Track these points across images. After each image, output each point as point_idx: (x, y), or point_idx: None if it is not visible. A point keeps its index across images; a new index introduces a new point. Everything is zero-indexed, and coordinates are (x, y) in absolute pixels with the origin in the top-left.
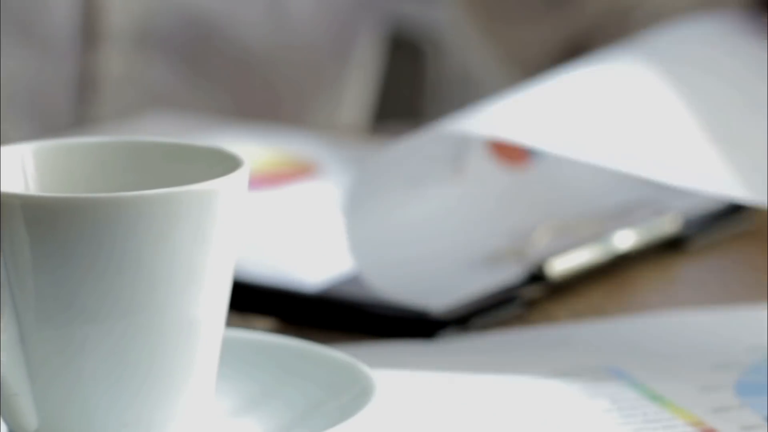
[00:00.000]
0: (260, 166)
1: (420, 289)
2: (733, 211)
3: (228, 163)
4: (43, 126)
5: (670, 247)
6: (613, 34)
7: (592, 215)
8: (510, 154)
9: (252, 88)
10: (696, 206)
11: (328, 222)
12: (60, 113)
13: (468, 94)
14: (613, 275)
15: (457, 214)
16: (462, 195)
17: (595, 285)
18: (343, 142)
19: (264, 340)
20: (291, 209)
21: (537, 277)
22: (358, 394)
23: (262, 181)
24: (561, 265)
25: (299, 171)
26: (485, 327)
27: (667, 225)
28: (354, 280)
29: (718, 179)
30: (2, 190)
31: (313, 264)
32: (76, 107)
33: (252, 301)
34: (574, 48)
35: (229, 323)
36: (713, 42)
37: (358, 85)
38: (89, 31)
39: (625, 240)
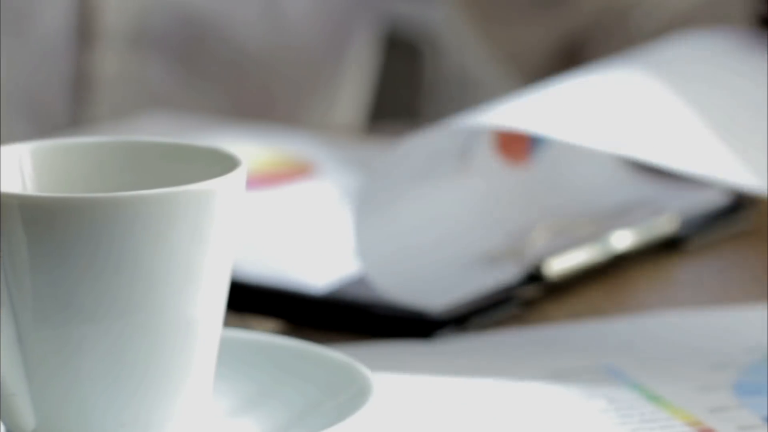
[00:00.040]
0: (258, 166)
1: (418, 288)
2: (731, 211)
3: (226, 163)
4: (38, 126)
5: (667, 247)
6: (610, 33)
7: (589, 215)
8: (512, 150)
9: (247, 87)
10: (694, 206)
11: (327, 222)
12: (55, 113)
13: (465, 93)
14: (610, 275)
15: (455, 213)
16: (460, 195)
17: (593, 285)
18: (341, 142)
19: (262, 340)
20: (289, 210)
21: (534, 277)
22: (356, 394)
23: (259, 181)
24: (559, 265)
25: (297, 171)
26: (483, 327)
27: (664, 225)
28: (352, 281)
29: (725, 166)
30: (0, 190)
31: (313, 266)
32: (71, 107)
33: (250, 301)
34: (570, 47)
35: (228, 323)
36: (714, 57)
37: (354, 84)
38: (84, 31)
39: (622, 240)
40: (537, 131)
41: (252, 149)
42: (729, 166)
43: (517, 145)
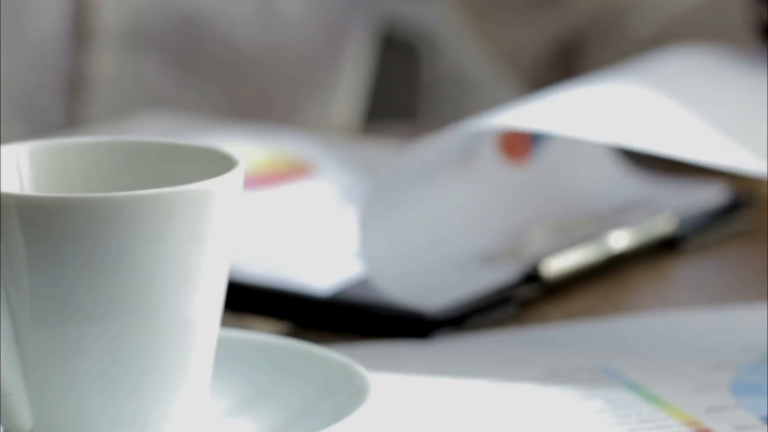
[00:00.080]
0: (255, 166)
1: (416, 289)
2: (729, 211)
3: (223, 163)
4: (34, 125)
5: (665, 247)
6: (607, 33)
7: (587, 215)
8: (514, 149)
9: (243, 87)
10: (691, 206)
11: (325, 222)
12: (51, 112)
13: (462, 93)
14: (608, 275)
15: (454, 214)
16: (460, 195)
17: (591, 285)
18: (338, 142)
19: (259, 340)
20: (287, 210)
21: (532, 277)
22: (353, 394)
23: (257, 181)
24: (556, 265)
25: (294, 171)
26: (480, 327)
27: (662, 225)
28: (350, 282)
29: (725, 150)
30: None
31: (311, 266)
32: (67, 106)
33: (248, 302)
34: (566, 47)
35: (225, 324)
36: (711, 68)
37: (350, 84)
38: (80, 30)
39: (620, 240)
40: (539, 128)
41: (249, 149)
42: (729, 151)
43: (518, 144)
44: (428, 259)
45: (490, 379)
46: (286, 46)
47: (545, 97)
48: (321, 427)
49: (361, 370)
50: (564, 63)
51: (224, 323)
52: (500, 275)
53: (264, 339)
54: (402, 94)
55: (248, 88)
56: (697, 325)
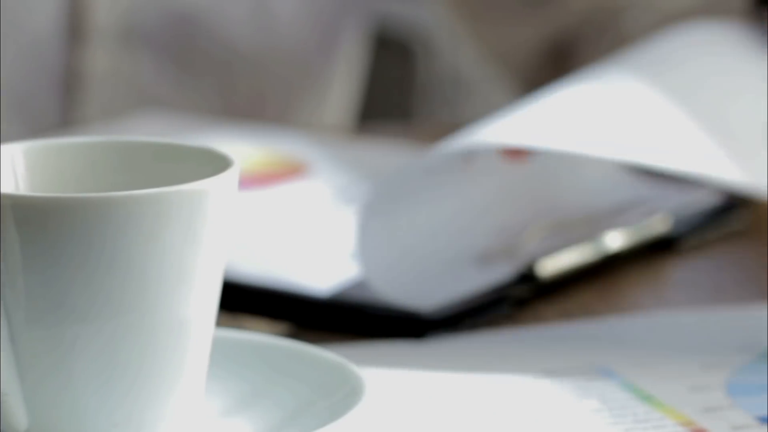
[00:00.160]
0: (250, 166)
1: (411, 288)
2: (724, 211)
3: (218, 163)
4: (29, 124)
5: (660, 247)
6: (601, 33)
7: (583, 215)
8: (514, 150)
9: (237, 86)
10: (686, 206)
11: (320, 222)
12: (46, 111)
13: (457, 94)
14: (603, 275)
15: (448, 213)
16: (455, 195)
17: (586, 285)
18: (333, 142)
19: (254, 340)
20: (281, 210)
21: (527, 276)
22: (348, 394)
23: (252, 181)
24: (551, 265)
25: (289, 171)
26: (475, 327)
27: (657, 225)
28: (346, 282)
29: (722, 165)
30: None
31: (306, 266)
32: (62, 105)
33: (243, 301)
34: (560, 46)
35: (221, 324)
36: (711, 49)
37: (344, 84)
38: (75, 29)
39: (615, 240)
40: (536, 145)
41: (244, 149)
42: (726, 166)
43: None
44: (424, 258)
45: (486, 378)
46: (281, 46)
47: (539, 102)
48: (316, 427)
49: (356, 370)
50: (557, 63)
51: (219, 323)
52: (495, 275)
53: (259, 339)
54: (396, 94)
55: (243, 88)
56: (693, 325)
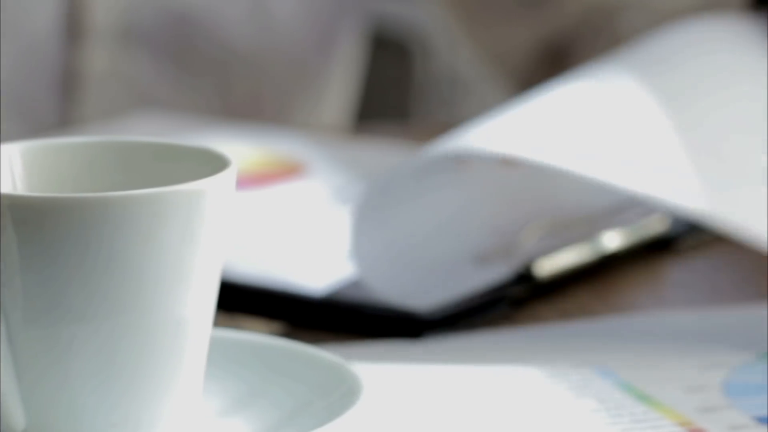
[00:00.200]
0: (248, 166)
1: (408, 288)
2: None
3: (216, 163)
4: (27, 124)
5: (658, 247)
6: (597, 34)
7: (580, 215)
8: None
9: (235, 86)
10: None
11: (318, 222)
12: (44, 111)
13: (455, 93)
14: (601, 275)
15: (445, 214)
16: (451, 195)
17: (583, 285)
18: (331, 142)
19: (252, 340)
20: (279, 210)
21: (525, 276)
22: (346, 394)
23: (249, 181)
24: (549, 265)
25: (287, 171)
26: (473, 327)
27: (655, 225)
28: (342, 282)
29: (698, 196)
30: None
31: (304, 266)
32: (60, 104)
33: (241, 301)
34: (556, 47)
35: (218, 324)
36: (707, 47)
37: (342, 84)
38: (73, 28)
39: (613, 240)
40: (518, 156)
41: (242, 149)
42: (712, 200)
43: None
44: (420, 258)
45: (483, 378)
46: (279, 46)
47: (527, 106)
48: (313, 427)
49: (353, 369)
50: (554, 64)
51: (217, 323)
52: (493, 275)
53: (257, 339)
54: (394, 94)
55: (241, 88)
56: (690, 325)
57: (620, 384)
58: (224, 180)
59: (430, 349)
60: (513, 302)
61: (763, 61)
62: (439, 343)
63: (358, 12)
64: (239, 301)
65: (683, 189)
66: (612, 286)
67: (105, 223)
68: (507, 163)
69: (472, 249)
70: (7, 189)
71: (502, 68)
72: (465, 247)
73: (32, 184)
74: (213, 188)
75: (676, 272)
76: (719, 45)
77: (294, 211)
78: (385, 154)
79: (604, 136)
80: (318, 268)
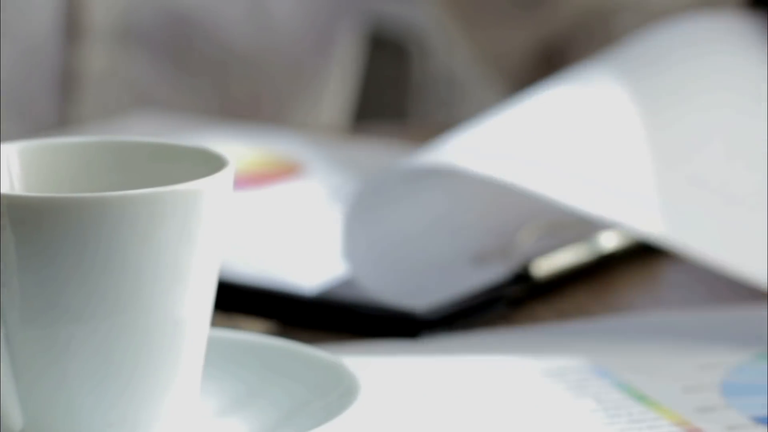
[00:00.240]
0: (246, 166)
1: (405, 288)
2: None
3: (213, 163)
4: (25, 123)
5: (655, 247)
6: (593, 35)
7: (577, 216)
8: None
9: (233, 86)
10: None
11: (314, 222)
12: (42, 110)
13: (452, 94)
14: (598, 275)
15: (442, 214)
16: (447, 196)
17: (581, 285)
18: (328, 142)
19: (249, 340)
20: (277, 210)
21: (522, 277)
22: (343, 394)
23: (247, 181)
24: (546, 265)
25: (285, 171)
26: (470, 327)
27: None
28: (340, 281)
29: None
30: None
31: (301, 265)
32: (58, 104)
33: (239, 301)
34: (551, 50)
35: (215, 323)
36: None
37: (340, 84)
38: (71, 28)
39: (610, 240)
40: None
41: (240, 149)
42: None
43: None
44: (416, 258)
45: (481, 378)
46: (277, 47)
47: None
48: (311, 427)
49: (351, 369)
50: (549, 65)
51: (214, 323)
52: (490, 275)
53: (254, 339)
54: (391, 94)
55: (239, 88)
56: (688, 326)
57: (618, 384)
58: (222, 180)
59: (427, 349)
60: (510, 302)
61: (754, 64)
62: (437, 343)
63: (355, 12)
64: (237, 301)
65: (641, 214)
66: (609, 287)
67: (102, 223)
68: None
69: (469, 249)
70: (4, 189)
71: (499, 70)
72: (462, 247)
73: (30, 184)
74: (210, 188)
75: (673, 272)
76: (708, 46)
77: (291, 211)
78: (382, 155)
79: (571, 153)
80: (315, 268)
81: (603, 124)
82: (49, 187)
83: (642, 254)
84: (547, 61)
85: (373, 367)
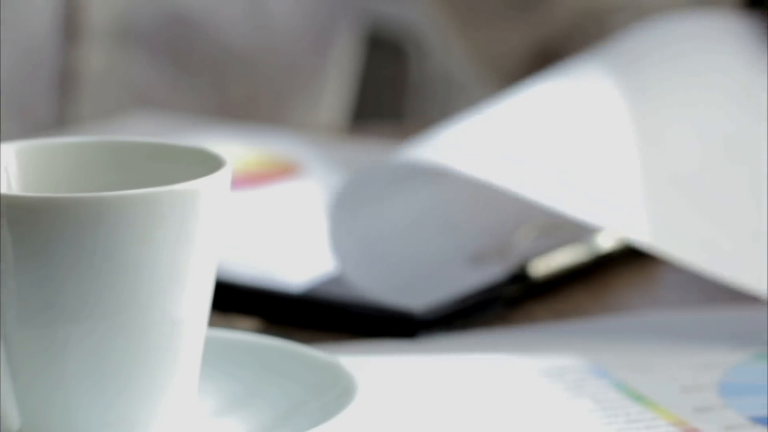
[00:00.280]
0: (243, 166)
1: (402, 288)
2: None
3: (211, 163)
4: (24, 123)
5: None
6: (589, 36)
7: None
8: None
9: (231, 86)
10: None
11: (311, 222)
12: (41, 110)
13: (450, 94)
14: (595, 275)
15: (439, 214)
16: (444, 195)
17: (578, 285)
18: (326, 142)
19: (247, 340)
20: (274, 209)
21: (519, 276)
22: (341, 394)
23: (244, 181)
24: (544, 265)
25: (282, 171)
26: (467, 327)
27: None
28: (336, 279)
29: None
30: None
31: (297, 264)
32: (57, 104)
33: (235, 301)
34: (547, 50)
35: (212, 323)
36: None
37: (337, 84)
38: (70, 28)
39: (607, 240)
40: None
41: (237, 149)
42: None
43: None
44: (408, 255)
45: (478, 378)
46: (275, 47)
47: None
48: (308, 427)
49: (348, 369)
50: (545, 66)
51: (212, 323)
52: (488, 275)
53: (252, 339)
54: (389, 95)
55: (237, 88)
56: (685, 326)
57: (615, 384)
58: (219, 180)
59: (424, 349)
60: (508, 302)
61: (744, 63)
62: (434, 343)
63: (353, 13)
64: (234, 301)
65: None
66: (606, 287)
67: (100, 223)
68: None
69: (466, 249)
70: (2, 189)
71: (495, 71)
72: (459, 246)
73: (27, 184)
74: (208, 188)
75: (670, 273)
76: (698, 44)
77: (289, 211)
78: (379, 154)
79: (558, 153)
80: (312, 268)
81: (589, 122)
82: (47, 187)
83: (639, 254)
84: (543, 61)
85: (371, 367)
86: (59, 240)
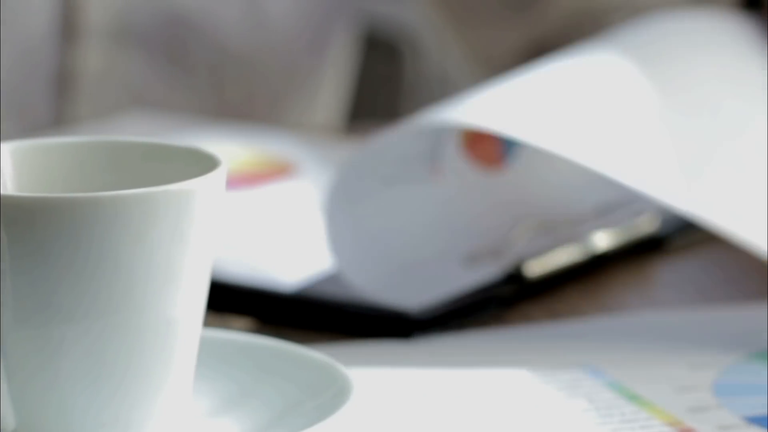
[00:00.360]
0: (238, 166)
1: (398, 288)
2: None
3: (206, 163)
4: (21, 123)
5: (648, 247)
6: (586, 36)
7: (570, 215)
8: (484, 155)
9: (228, 86)
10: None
11: (307, 222)
12: (38, 110)
13: (445, 94)
14: (591, 275)
15: (434, 213)
16: (439, 194)
17: (573, 285)
18: (321, 142)
19: (242, 340)
20: (269, 209)
21: (515, 277)
22: (336, 394)
23: (240, 180)
24: (539, 266)
25: (277, 171)
26: (463, 327)
27: (645, 225)
28: (332, 279)
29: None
30: None
31: (292, 264)
32: (54, 104)
33: (230, 301)
34: (543, 50)
35: (207, 323)
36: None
37: (333, 84)
38: (67, 28)
39: (603, 240)
40: (505, 132)
41: (232, 149)
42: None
43: (487, 147)
44: (409, 258)
45: (473, 378)
46: (271, 47)
47: (509, 85)
48: (304, 427)
49: (344, 369)
50: None
51: (207, 323)
52: (483, 275)
53: (247, 339)
54: (385, 94)
55: (234, 88)
56: (680, 325)
57: (610, 384)
58: (214, 180)
59: (420, 349)
60: (503, 302)
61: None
62: (429, 343)
63: (349, 13)
64: (229, 301)
65: (673, 187)
66: (602, 287)
67: (95, 223)
68: (490, 162)
69: (461, 249)
70: None
71: (491, 71)
72: (455, 247)
73: (22, 184)
74: (203, 188)
75: (665, 272)
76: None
77: (284, 211)
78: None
79: (596, 123)
80: (309, 268)
81: (614, 98)
82: (42, 187)
83: (634, 254)
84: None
85: (366, 368)
86: (54, 240)
